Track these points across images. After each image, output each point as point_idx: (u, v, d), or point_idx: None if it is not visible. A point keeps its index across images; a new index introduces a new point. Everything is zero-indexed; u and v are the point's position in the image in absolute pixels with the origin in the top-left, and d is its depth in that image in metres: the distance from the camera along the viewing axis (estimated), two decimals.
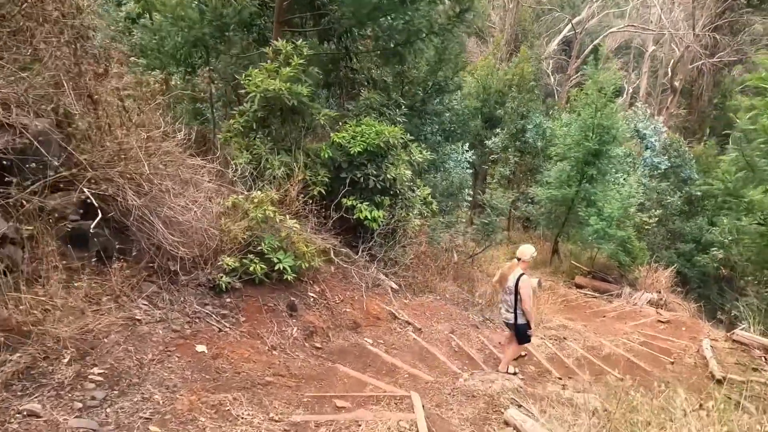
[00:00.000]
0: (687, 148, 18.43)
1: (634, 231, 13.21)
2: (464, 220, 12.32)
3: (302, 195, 6.23)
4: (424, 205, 7.76)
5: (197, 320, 4.42)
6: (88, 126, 4.20)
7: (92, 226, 3.84)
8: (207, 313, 4.58)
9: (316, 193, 6.52)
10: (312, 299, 5.72)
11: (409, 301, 7.01)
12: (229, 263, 4.87)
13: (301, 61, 6.33)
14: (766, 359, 8.06)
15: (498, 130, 17.21)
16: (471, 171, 13.00)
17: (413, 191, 7.41)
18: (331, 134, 6.69)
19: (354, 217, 6.67)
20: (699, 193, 18.77)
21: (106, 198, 4.22)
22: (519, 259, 5.62)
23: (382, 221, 6.82)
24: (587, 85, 13.30)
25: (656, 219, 14.80)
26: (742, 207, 9.57)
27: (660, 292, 13.00)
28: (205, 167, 5.47)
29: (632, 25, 24.93)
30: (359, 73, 8.63)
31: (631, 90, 29.67)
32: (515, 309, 5.55)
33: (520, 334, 5.70)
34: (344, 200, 6.68)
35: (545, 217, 15.35)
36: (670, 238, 18.88)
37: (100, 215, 3.95)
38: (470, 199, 12.30)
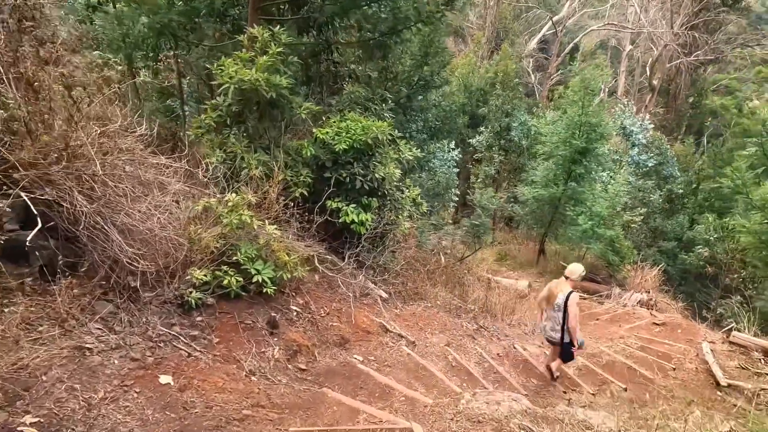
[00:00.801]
0: (668, 146, 18.42)
1: (621, 230, 12.99)
2: (452, 222, 11.88)
3: (282, 197, 5.64)
4: (413, 206, 7.24)
5: (162, 344, 3.80)
6: (27, 117, 3.53)
7: (29, 238, 3.19)
8: (174, 335, 3.96)
9: (297, 195, 5.94)
10: (295, 313, 5.13)
11: (400, 311, 6.48)
12: (200, 276, 4.25)
13: (280, 50, 5.73)
14: (766, 361, 7.83)
15: (482, 129, 16.85)
16: (457, 170, 12.57)
17: (402, 192, 6.88)
18: (314, 130, 6.11)
19: (339, 220, 6.11)
20: (680, 191, 18.81)
21: (50, 203, 3.57)
22: (567, 278, 5.65)
23: (369, 225, 6.27)
24: (573, 82, 13.02)
25: (641, 217, 14.65)
26: (752, 204, 9.33)
27: (649, 292, 12.80)
28: (172, 167, 4.83)
29: (612, 24, 24.98)
30: (342, 66, 8.06)
31: (607, 90, 29.82)
32: (563, 327, 5.55)
33: (566, 352, 5.70)
34: (329, 202, 6.12)
35: (531, 217, 15.04)
36: (652, 237, 18.87)
37: (40, 224, 3.30)
38: (457, 199, 11.85)
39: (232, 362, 4.10)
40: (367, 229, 6.28)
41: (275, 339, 4.62)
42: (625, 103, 17.50)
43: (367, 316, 5.84)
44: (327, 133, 6.05)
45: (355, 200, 6.27)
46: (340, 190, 6.29)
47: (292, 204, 5.76)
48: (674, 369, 7.28)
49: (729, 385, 6.63)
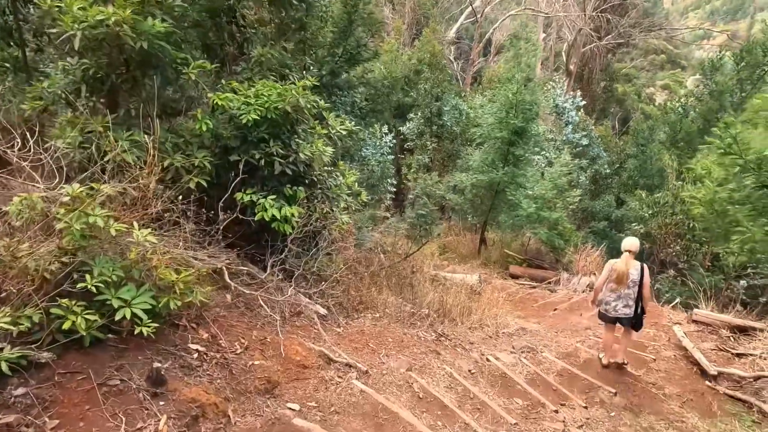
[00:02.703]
0: (593, 127, 18.52)
1: (563, 212, 12.47)
2: (389, 215, 10.60)
3: (170, 190, 4.00)
4: (351, 196, 5.83)
5: None
6: None
7: None
8: None
9: (193, 186, 4.31)
10: (196, 356, 3.53)
11: (344, 330, 5.05)
12: (12, 322, 2.56)
13: None
14: (735, 338, 7.35)
15: (411, 115, 15.76)
16: (392, 157, 11.32)
17: (336, 178, 5.44)
18: (210, 95, 4.47)
19: (255, 218, 4.55)
20: (607, 171, 19.02)
21: None
22: (629, 252, 5.53)
23: (296, 222, 4.78)
24: (506, 57, 12.24)
25: (579, 198, 14.33)
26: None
27: (594, 274, 12.39)
28: None
29: (530, 8, 25.09)
30: (249, 29, 6.42)
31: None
32: (637, 300, 5.46)
33: (640, 322, 5.60)
34: (239, 195, 4.54)
35: (470, 205, 14.16)
36: (582, 218, 18.94)
37: None
38: (394, 190, 10.59)
39: None
40: (293, 228, 4.78)
41: (161, 403, 3.01)
42: (556, 80, 17.24)
43: (302, 343, 4.35)
44: (229, 99, 4.45)
45: (274, 190, 4.74)
46: (254, 178, 4.74)
47: (185, 200, 4.13)
48: (654, 360, 6.50)
49: (719, 374, 5.93)
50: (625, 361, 5.95)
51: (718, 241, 9.38)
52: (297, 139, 4.81)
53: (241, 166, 4.48)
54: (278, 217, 4.58)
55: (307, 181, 5.12)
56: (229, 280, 4.36)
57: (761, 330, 7.31)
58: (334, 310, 5.26)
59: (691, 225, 13.32)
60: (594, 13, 21.59)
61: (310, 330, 4.64)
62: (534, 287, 11.51)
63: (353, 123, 9.11)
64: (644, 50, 53.22)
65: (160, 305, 3.19)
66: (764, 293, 10.66)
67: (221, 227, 4.45)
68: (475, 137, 13.11)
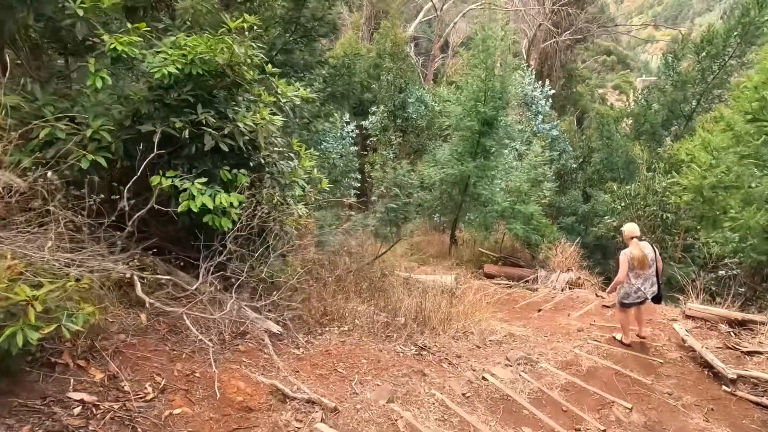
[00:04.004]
0: (558, 122, 18.14)
1: (538, 206, 11.79)
2: (353, 213, 9.54)
3: (45, 170, 2.80)
4: (309, 183, 4.74)
5: None
6: None
7: None
8: None
9: (85, 166, 3.11)
10: (77, 411, 2.36)
11: (304, 351, 3.94)
12: None
13: None
14: (735, 333, 6.72)
15: (374, 108, 14.76)
16: (355, 149, 10.26)
17: (291, 160, 4.35)
18: (105, 37, 3.26)
19: (179, 209, 3.39)
20: (574, 165, 18.69)
21: None
22: (637, 237, 5.62)
23: (238, 214, 3.65)
24: (475, 41, 11.45)
25: (550, 192, 13.75)
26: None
27: (571, 270, 11.76)
28: None
29: (488, 2, 24.64)
30: None
31: None
32: (658, 277, 5.66)
33: (661, 294, 5.81)
34: (155, 178, 3.36)
35: (439, 203, 13.25)
36: (550, 214, 18.52)
37: None
38: (359, 185, 9.54)
39: None
40: (234, 222, 3.65)
41: None
42: (525, 68, 16.69)
43: (247, 375, 3.22)
44: (133, 45, 3.27)
45: (206, 173, 3.59)
46: (179, 157, 3.57)
47: (74, 186, 2.94)
48: (661, 364, 5.73)
49: (738, 377, 5.20)
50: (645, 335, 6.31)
51: (706, 229, 8.91)
52: (235, 106, 3.68)
53: (156, 140, 3.30)
54: (212, 208, 3.43)
55: (251, 163, 4.00)
56: (142, 295, 3.18)
57: (762, 323, 6.70)
58: (291, 326, 4.14)
59: (664, 216, 13.00)
60: (554, 7, 21.33)
61: (258, 356, 3.51)
62: (511, 286, 10.72)
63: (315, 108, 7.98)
64: (595, 51, 54.67)
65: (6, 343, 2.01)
66: (735, 283, 10.30)
67: (133, 223, 3.26)
68: (443, 128, 12.23)
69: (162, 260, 3.92)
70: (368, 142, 15.79)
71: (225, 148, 3.54)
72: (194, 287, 3.57)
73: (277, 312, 4.09)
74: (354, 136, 10.03)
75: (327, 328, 4.77)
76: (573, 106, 32.57)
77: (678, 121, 16.21)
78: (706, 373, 5.60)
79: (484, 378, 4.41)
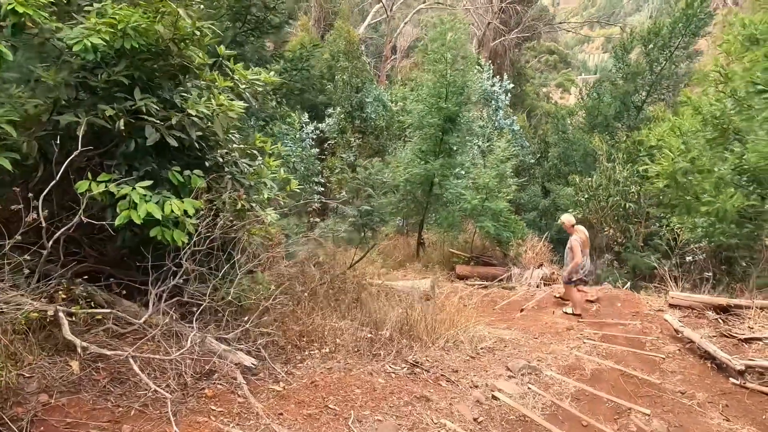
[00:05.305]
0: (516, 117, 18.16)
1: (507, 202, 11.52)
2: (319, 220, 8.85)
3: None
4: (274, 187, 4.06)
5: None
6: None
7: None
8: None
9: None
10: None
11: (286, 386, 3.26)
12: None
13: None
14: (723, 320, 6.58)
15: (331, 110, 14.10)
16: (317, 151, 9.58)
17: (254, 158, 3.67)
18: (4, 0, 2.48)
19: (117, 222, 2.65)
20: (532, 161, 18.78)
21: None
22: (573, 224, 6.62)
23: (194, 225, 2.94)
24: (432, 36, 11.06)
25: (515, 188, 13.58)
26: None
27: (543, 265, 11.56)
28: None
29: (438, 2, 24.60)
30: None
31: None
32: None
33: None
34: (82, 183, 2.61)
35: (404, 204, 12.71)
36: (511, 210, 18.51)
37: None
38: (322, 189, 8.88)
39: None
40: (191, 234, 2.94)
41: None
42: (483, 63, 16.52)
43: (219, 429, 2.52)
44: (36, 6, 2.50)
45: (150, 174, 2.87)
46: (114, 156, 2.83)
47: None
48: (663, 359, 5.43)
49: (746, 368, 4.94)
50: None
51: (680, 215, 8.87)
52: (183, 93, 2.98)
53: (81, 133, 2.55)
54: (160, 219, 2.71)
55: (207, 163, 3.29)
56: (72, 336, 2.42)
57: (747, 307, 6.58)
58: (267, 356, 3.45)
59: (626, 206, 13.11)
60: (503, 5, 21.48)
61: (230, 400, 2.81)
62: (486, 287, 10.34)
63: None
64: (538, 51, 56.39)
65: None
66: (696, 268, 10.42)
67: (51, 242, 2.49)
68: (405, 126, 11.76)
69: (100, 287, 3.14)
70: (326, 145, 15.08)
71: (173, 143, 2.82)
72: (143, 319, 2.82)
73: (248, 341, 3.39)
74: (313, 138, 9.33)
75: (306, 352, 4.11)
76: (520, 105, 33.27)
77: (630, 113, 16.55)
78: (708, 365, 5.36)
79: (494, 397, 3.88)
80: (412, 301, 6.68)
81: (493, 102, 15.02)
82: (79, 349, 2.41)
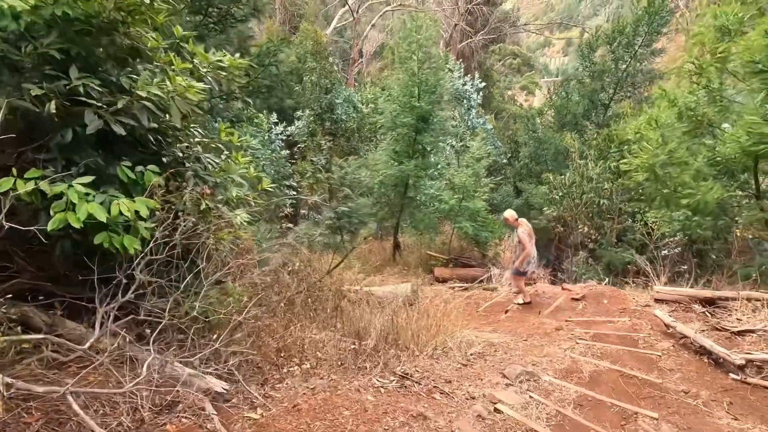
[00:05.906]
0: (487, 117, 18.11)
1: (484, 202, 11.33)
2: (291, 225, 8.38)
3: None
4: (243, 185, 3.62)
5: None
6: None
7: None
8: None
9: None
10: None
11: (264, 413, 2.81)
12: None
13: None
14: (710, 313, 6.48)
15: (300, 113, 13.62)
16: (287, 152, 9.10)
17: (220, 151, 3.23)
18: None
19: (50, 228, 2.16)
20: (505, 161, 18.77)
21: None
22: (516, 219, 7.09)
23: (150, 228, 2.48)
24: (403, 33, 10.80)
25: (491, 187, 13.45)
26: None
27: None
28: None
29: (402, 5, 24.44)
30: None
31: None
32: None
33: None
34: (5, 181, 2.12)
35: (379, 208, 12.35)
36: (488, 209, 18.46)
37: None
38: (295, 193, 8.43)
39: None
40: (146, 240, 2.48)
41: None
42: (453, 61, 16.36)
43: None
44: None
45: (92, 170, 2.40)
46: (50, 147, 2.35)
47: None
48: (660, 357, 5.23)
49: (747, 363, 4.78)
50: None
51: (659, 209, 8.83)
52: (132, 74, 2.53)
53: (0, 118, 2.07)
54: (106, 222, 2.25)
55: (164, 158, 2.84)
56: None
57: (733, 299, 6.51)
58: (240, 378, 3.00)
59: (600, 202, 13.14)
60: (469, 6, 21.52)
61: None
62: (467, 289, 10.07)
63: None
64: (502, 54, 57.30)
65: None
66: (670, 261, 10.46)
67: None
68: (377, 127, 11.42)
69: (37, 307, 2.64)
70: (295, 149, 14.58)
71: (121, 131, 2.37)
72: (88, 344, 2.34)
73: (219, 362, 2.93)
74: (282, 139, 8.87)
75: (286, 370, 3.67)
76: (489, 107, 33.59)
77: (598, 110, 16.73)
78: (705, 360, 5.19)
79: (496, 410, 3.53)
80: (395, 307, 6.31)
81: (465, 101, 14.87)
82: (1, 387, 1.92)
